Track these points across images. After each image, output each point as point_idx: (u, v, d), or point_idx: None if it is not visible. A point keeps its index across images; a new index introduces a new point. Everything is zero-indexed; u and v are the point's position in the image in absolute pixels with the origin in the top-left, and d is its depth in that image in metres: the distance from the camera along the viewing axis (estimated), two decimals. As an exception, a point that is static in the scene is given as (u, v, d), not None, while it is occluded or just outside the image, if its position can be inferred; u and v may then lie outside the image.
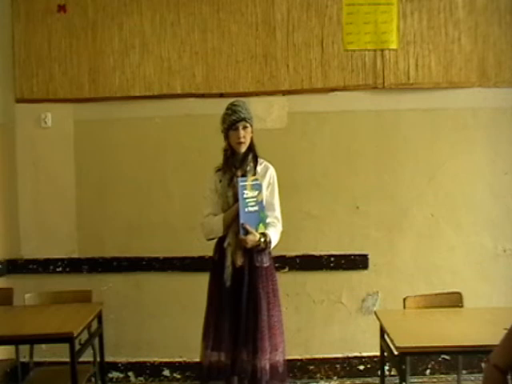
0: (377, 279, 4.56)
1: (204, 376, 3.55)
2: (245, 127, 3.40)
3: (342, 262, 4.55)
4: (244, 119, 3.39)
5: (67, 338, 2.91)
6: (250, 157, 3.46)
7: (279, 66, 4.48)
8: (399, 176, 4.52)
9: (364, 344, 4.44)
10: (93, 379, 3.58)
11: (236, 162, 3.44)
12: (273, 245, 3.44)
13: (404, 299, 3.30)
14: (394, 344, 2.69)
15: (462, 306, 3.30)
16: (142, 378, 4.69)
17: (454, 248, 4.52)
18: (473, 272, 4.49)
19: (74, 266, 4.60)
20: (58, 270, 4.59)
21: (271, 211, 3.47)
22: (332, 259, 4.56)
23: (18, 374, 3.52)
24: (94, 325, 3.42)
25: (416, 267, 4.52)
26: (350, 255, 4.56)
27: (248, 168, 3.44)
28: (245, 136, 3.40)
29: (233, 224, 3.41)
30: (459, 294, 3.32)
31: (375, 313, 3.20)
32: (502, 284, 4.47)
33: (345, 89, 4.48)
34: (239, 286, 3.41)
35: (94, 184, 4.60)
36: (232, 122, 3.40)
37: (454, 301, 3.30)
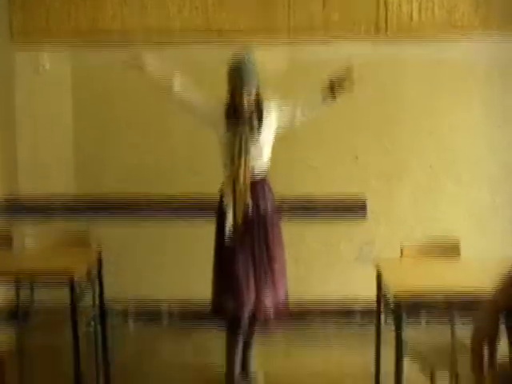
0: (375, 228, 4.59)
1: (217, 315, 3.69)
2: (249, 93, 3.40)
3: (340, 209, 4.57)
4: (248, 85, 3.38)
5: (67, 281, 2.93)
6: (256, 113, 3.47)
7: (279, 10, 4.40)
8: (398, 128, 4.50)
9: (361, 291, 4.48)
10: (93, 322, 3.63)
11: (241, 117, 3.44)
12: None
13: (401, 248, 3.32)
14: (390, 292, 2.72)
15: (458, 256, 3.32)
16: (140, 322, 4.75)
17: (452, 200, 4.54)
18: (470, 224, 4.51)
19: (72, 209, 4.61)
20: (56, 213, 4.60)
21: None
22: (330, 206, 4.57)
23: (18, 317, 3.58)
24: (94, 268, 3.45)
25: (414, 218, 4.54)
26: (349, 204, 4.58)
27: (255, 123, 3.46)
28: (249, 100, 3.41)
29: (229, 184, 3.47)
30: (456, 244, 3.33)
31: (372, 261, 3.22)
32: (499, 236, 4.50)
33: (345, 37, 4.42)
34: (248, 231, 3.50)
35: (91, 126, 4.58)
36: (236, 87, 3.40)
37: (451, 251, 3.31)
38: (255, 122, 3.46)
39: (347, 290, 4.63)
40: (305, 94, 3.55)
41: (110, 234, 4.32)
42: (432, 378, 2.76)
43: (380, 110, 4.49)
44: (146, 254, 4.66)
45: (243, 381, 3.76)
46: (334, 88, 3.46)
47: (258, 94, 3.47)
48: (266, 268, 3.55)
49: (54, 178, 4.63)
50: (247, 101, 3.40)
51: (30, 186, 4.62)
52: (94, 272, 3.46)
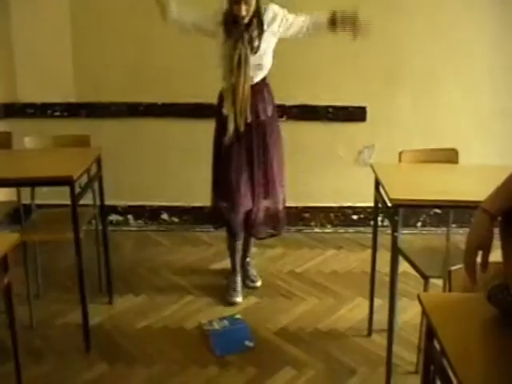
0: (374, 132, 4.58)
1: (214, 220, 3.79)
2: (247, 2, 3.24)
3: (340, 113, 4.55)
4: None
5: (67, 181, 2.95)
6: (255, 22, 3.34)
7: None
8: (400, 31, 4.40)
9: (358, 195, 4.54)
10: (93, 222, 3.69)
11: (240, 26, 3.31)
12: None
13: (400, 153, 3.31)
14: (387, 196, 2.74)
15: (457, 163, 3.32)
16: (141, 221, 4.83)
17: (453, 104, 4.50)
18: (470, 129, 4.50)
19: (71, 110, 4.59)
20: (55, 114, 4.58)
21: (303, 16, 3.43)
22: (330, 110, 4.55)
23: (20, 215, 3.62)
24: (94, 169, 3.46)
25: (414, 122, 4.53)
26: (349, 107, 4.55)
27: (255, 33, 3.34)
28: (247, 9, 3.26)
29: (229, 96, 3.40)
30: (455, 150, 3.33)
31: (371, 165, 3.22)
32: (498, 143, 4.50)
33: None
34: (248, 139, 3.49)
35: (91, 27, 4.47)
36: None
37: (449, 157, 3.32)
38: (255, 32, 3.34)
39: (345, 193, 4.69)
40: (312, 13, 3.43)
41: (108, 138, 4.32)
42: (426, 281, 2.82)
43: (380, 12, 4.37)
44: (145, 159, 4.68)
45: (246, 280, 3.90)
46: (336, 23, 3.37)
47: (257, 2, 3.32)
48: (263, 173, 3.56)
49: (53, 79, 4.57)
50: (246, 10, 3.25)
51: (29, 94, 4.57)
52: (94, 172, 3.47)
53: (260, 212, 3.62)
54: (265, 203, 3.63)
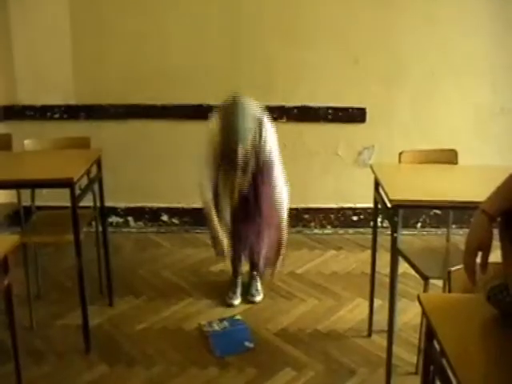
0: (374, 133, 4.59)
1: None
2: (244, 145, 3.21)
3: (340, 114, 4.55)
4: (242, 138, 3.18)
5: (68, 183, 2.95)
6: (252, 156, 3.31)
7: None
8: (399, 29, 4.40)
9: (358, 196, 4.55)
10: (93, 223, 3.69)
11: (236, 166, 3.30)
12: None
13: (399, 153, 3.31)
14: (387, 197, 2.74)
15: (456, 163, 3.32)
16: (141, 223, 4.83)
17: (452, 104, 4.50)
18: (469, 129, 4.50)
19: (71, 112, 4.59)
20: (55, 116, 4.59)
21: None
22: (330, 111, 4.55)
23: (20, 217, 3.62)
24: (94, 171, 3.46)
25: (413, 122, 4.53)
26: (348, 108, 4.55)
27: (249, 167, 3.34)
28: (244, 150, 3.23)
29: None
30: (455, 151, 3.33)
31: (370, 166, 3.22)
32: (497, 142, 4.50)
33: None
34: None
35: (90, 30, 4.48)
36: (230, 141, 3.21)
37: (449, 157, 3.32)
38: (251, 166, 3.34)
39: (345, 193, 4.69)
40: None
41: (108, 140, 4.32)
42: (426, 281, 2.82)
43: (381, 10, 4.38)
44: (145, 161, 4.68)
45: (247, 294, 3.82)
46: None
47: (254, 137, 3.27)
48: (258, 221, 3.53)
49: (52, 81, 4.57)
50: (242, 151, 3.23)
51: (29, 96, 4.58)
52: (94, 174, 3.48)
53: (261, 254, 3.61)
54: (262, 247, 3.60)
